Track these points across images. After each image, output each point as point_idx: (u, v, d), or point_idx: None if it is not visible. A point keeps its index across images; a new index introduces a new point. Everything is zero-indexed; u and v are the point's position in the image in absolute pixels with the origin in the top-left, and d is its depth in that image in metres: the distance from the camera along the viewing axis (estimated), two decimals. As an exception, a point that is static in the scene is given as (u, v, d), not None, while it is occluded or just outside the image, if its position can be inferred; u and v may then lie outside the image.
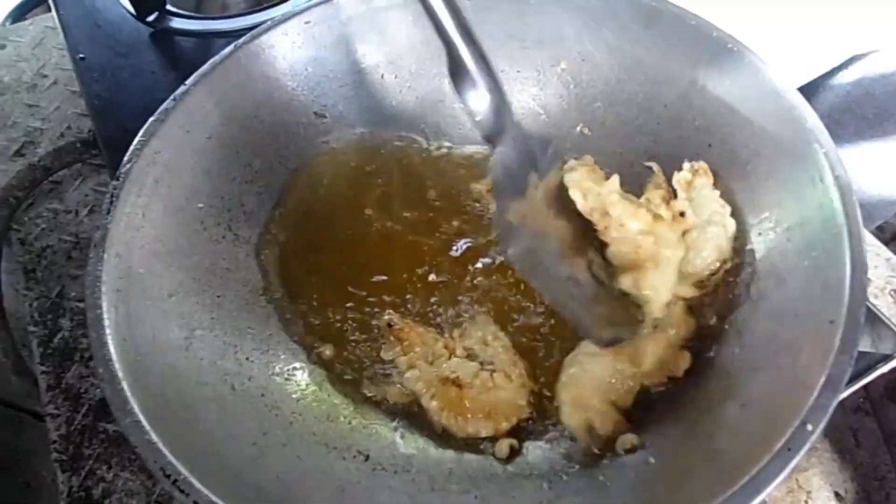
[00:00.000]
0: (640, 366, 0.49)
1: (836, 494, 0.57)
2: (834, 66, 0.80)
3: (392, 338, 0.54)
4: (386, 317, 0.55)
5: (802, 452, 0.37)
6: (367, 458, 0.48)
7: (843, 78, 0.81)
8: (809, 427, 0.38)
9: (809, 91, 0.80)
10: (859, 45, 0.79)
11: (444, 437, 0.50)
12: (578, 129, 0.62)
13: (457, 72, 0.44)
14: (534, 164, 0.48)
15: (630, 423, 0.48)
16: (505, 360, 0.52)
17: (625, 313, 0.50)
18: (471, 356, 0.53)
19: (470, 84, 0.44)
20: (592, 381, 0.49)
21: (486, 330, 0.54)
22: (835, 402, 0.38)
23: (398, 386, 0.52)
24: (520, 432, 0.50)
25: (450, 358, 0.53)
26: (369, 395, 0.52)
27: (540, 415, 0.51)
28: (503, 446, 0.49)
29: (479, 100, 0.45)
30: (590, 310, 0.49)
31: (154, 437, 0.38)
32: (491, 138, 0.46)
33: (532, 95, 0.65)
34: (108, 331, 0.42)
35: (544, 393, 0.52)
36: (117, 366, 0.41)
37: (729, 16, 0.55)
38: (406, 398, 0.52)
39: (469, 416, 0.49)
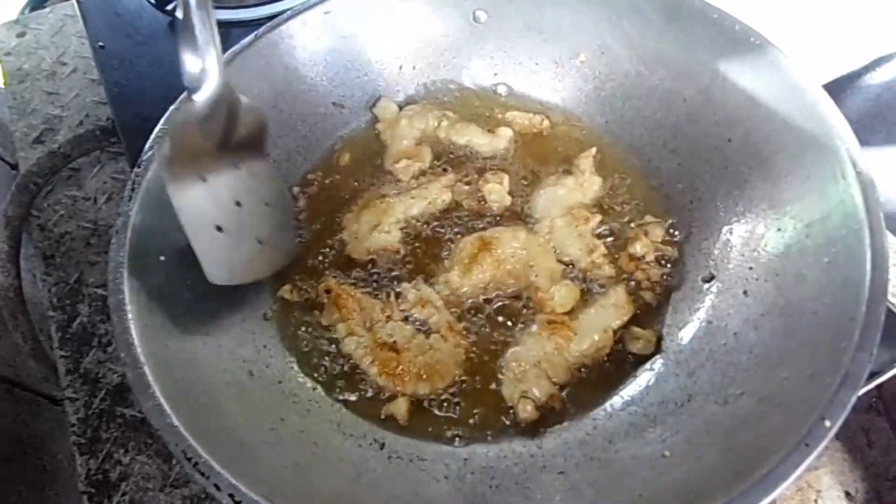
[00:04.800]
0: (576, 344, 0.52)
1: (847, 494, 0.57)
2: (862, 64, 0.79)
3: (331, 305, 0.54)
4: (323, 283, 0.55)
5: (820, 448, 0.37)
6: (383, 446, 0.49)
7: (873, 80, 0.80)
8: (827, 423, 0.38)
9: (837, 91, 0.78)
10: (888, 44, 0.78)
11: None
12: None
13: (184, 29, 0.47)
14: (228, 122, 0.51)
15: (564, 396, 0.51)
16: (440, 322, 0.53)
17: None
18: (408, 319, 0.54)
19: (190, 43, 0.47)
20: (530, 357, 0.52)
21: (422, 292, 0.55)
22: (853, 399, 0.38)
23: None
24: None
25: (387, 322, 0.54)
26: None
27: (473, 374, 0.52)
28: (401, 407, 0.50)
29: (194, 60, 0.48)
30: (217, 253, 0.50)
31: (175, 421, 0.39)
32: (192, 90, 0.48)
33: (550, 88, 0.65)
34: (130, 316, 0.43)
35: (478, 354, 0.53)
36: (139, 350, 0.41)
37: (754, 11, 0.55)
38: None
39: (406, 378, 0.51)
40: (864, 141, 0.47)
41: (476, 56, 0.66)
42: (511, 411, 0.51)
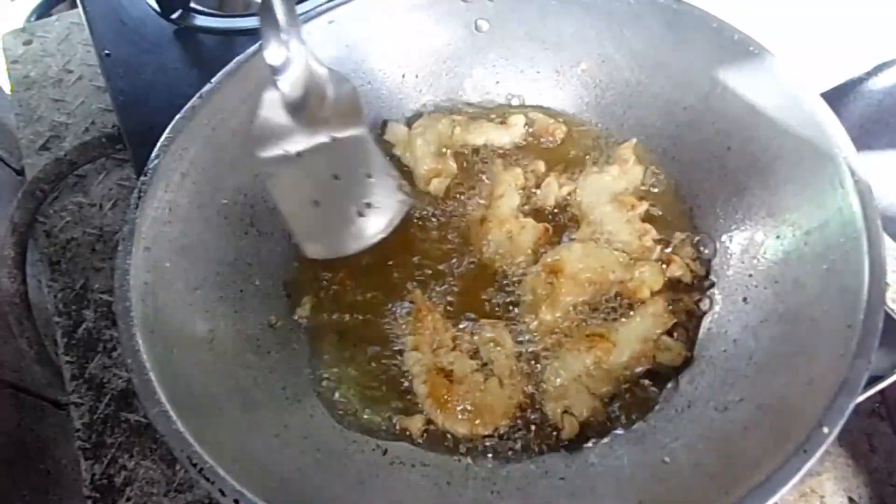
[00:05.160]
0: (616, 356, 0.52)
1: (850, 500, 0.57)
2: (865, 70, 0.80)
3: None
4: (410, 292, 0.56)
5: (818, 454, 0.37)
6: (386, 452, 0.49)
7: (875, 85, 0.80)
8: (826, 429, 0.38)
9: (838, 98, 0.79)
10: (890, 50, 0.78)
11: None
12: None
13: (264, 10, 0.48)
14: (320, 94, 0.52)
15: (608, 409, 0.51)
16: (504, 368, 0.52)
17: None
18: (474, 355, 0.53)
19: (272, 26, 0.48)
20: (570, 372, 0.51)
21: (498, 334, 0.54)
22: (851, 405, 0.39)
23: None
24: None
25: (452, 350, 0.53)
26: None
27: (522, 426, 0.51)
28: (417, 423, 0.50)
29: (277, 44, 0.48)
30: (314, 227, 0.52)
31: (181, 427, 0.39)
32: (277, 70, 0.50)
33: (552, 96, 0.66)
34: (136, 322, 0.43)
35: (532, 407, 0.52)
36: (145, 357, 0.42)
37: (754, 19, 0.56)
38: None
39: (451, 410, 0.50)
40: (867, 145, 0.47)
41: (478, 65, 0.66)
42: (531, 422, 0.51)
